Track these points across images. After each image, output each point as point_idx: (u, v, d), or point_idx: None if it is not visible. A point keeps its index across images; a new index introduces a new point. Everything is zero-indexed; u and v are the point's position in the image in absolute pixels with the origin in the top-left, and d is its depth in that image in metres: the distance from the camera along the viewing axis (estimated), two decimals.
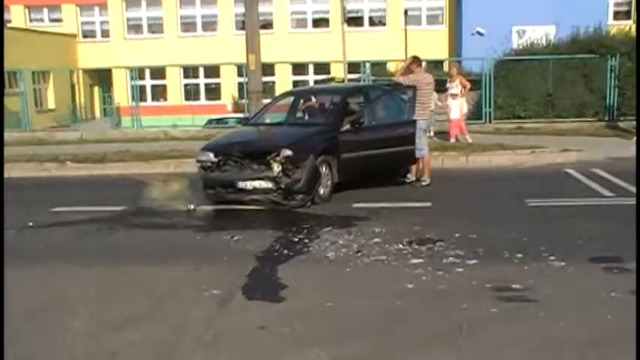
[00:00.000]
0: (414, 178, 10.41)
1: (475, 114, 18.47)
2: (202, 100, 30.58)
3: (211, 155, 9.30)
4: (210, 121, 22.76)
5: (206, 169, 9.29)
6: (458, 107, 15.27)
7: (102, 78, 33.55)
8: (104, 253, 6.94)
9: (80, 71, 31.00)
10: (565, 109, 18.57)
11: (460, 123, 15.33)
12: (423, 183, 10.28)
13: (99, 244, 7.35)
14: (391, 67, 22.33)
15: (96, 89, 35.58)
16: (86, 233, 7.80)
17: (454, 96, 15.25)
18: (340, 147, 9.49)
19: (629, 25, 22.46)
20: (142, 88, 27.55)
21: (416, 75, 10.41)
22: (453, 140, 14.99)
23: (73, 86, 30.22)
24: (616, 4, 27.08)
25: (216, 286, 5.52)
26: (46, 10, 35.10)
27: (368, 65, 19.92)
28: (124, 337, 4.57)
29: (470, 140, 14.78)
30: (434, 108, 15.66)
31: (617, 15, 26.74)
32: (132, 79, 21.20)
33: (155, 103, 29.88)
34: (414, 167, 10.45)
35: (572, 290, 5.24)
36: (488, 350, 4.21)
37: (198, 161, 9.57)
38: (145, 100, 28.56)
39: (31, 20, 34.82)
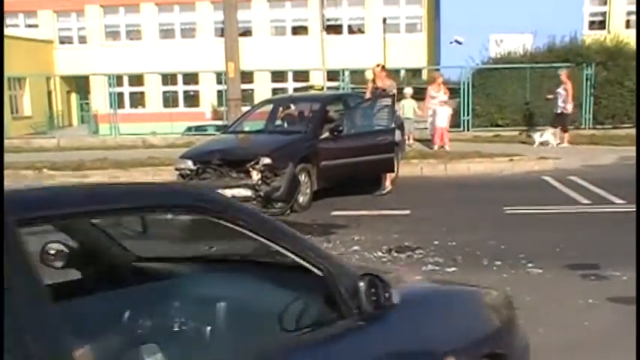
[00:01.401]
0: (390, 187, 10.37)
1: (454, 122, 18.60)
2: (181, 108, 30.43)
3: (190, 163, 9.27)
4: (189, 129, 22.67)
5: (185, 177, 9.26)
6: (446, 114, 15.40)
7: (79, 85, 33.27)
8: None
9: (57, 78, 30.74)
10: (542, 117, 18.77)
11: (445, 130, 15.47)
12: (383, 192, 10.24)
13: None
14: (369, 75, 22.46)
15: (73, 96, 35.25)
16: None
17: (443, 103, 15.35)
18: (319, 154, 9.52)
19: (604, 35, 22.79)
20: (120, 95, 27.39)
21: (391, 82, 10.55)
22: (436, 147, 15.07)
23: (49, 93, 29.94)
24: (591, 15, 27.47)
25: None
26: (21, 16, 34.72)
27: (347, 73, 19.99)
28: None
29: (448, 148, 14.88)
30: (413, 116, 15.77)
31: (592, 25, 27.13)
32: (110, 85, 21.05)
33: (133, 111, 29.66)
34: (388, 177, 10.40)
35: (550, 297, 5.28)
36: None
37: (176, 169, 9.53)
38: (123, 107, 28.37)
39: (6, 26, 34.44)
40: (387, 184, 10.32)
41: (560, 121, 15.71)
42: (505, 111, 19.01)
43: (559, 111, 15.67)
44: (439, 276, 5.89)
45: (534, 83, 18.63)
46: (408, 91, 16.06)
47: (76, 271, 2.75)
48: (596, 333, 4.53)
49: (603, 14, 27.44)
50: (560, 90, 15.65)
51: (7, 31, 32.92)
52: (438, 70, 21.09)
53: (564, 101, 15.51)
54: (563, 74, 15.84)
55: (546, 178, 11.46)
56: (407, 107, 15.66)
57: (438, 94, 15.43)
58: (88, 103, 33.49)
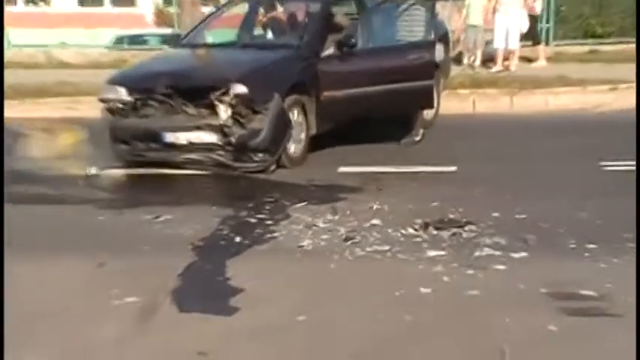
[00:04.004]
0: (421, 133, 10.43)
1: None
2: (107, 7, 30.32)
3: (123, 92, 9.28)
4: (119, 40, 22.62)
5: (115, 113, 9.27)
6: (518, 27, 15.64)
7: None
8: None
9: None
10: None
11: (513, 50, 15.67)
12: (416, 138, 10.30)
13: None
14: None
15: None
16: None
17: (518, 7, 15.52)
18: (321, 81, 9.54)
19: None
20: None
21: None
22: (496, 69, 15.19)
23: None
24: None
25: (131, 290, 5.53)
26: None
27: None
28: None
29: (514, 68, 14.97)
30: (480, 23, 15.68)
31: None
32: None
33: (31, 9, 29.54)
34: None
35: None
36: None
37: (102, 100, 9.55)
38: (14, 3, 28.21)
39: None
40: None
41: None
42: (607, 14, 18.87)
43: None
44: (500, 265, 5.95)
45: None
46: None
47: None
48: None
49: None
50: None
51: None
52: None
53: None
54: None
55: None
56: (474, 8, 15.56)
57: None
58: None
